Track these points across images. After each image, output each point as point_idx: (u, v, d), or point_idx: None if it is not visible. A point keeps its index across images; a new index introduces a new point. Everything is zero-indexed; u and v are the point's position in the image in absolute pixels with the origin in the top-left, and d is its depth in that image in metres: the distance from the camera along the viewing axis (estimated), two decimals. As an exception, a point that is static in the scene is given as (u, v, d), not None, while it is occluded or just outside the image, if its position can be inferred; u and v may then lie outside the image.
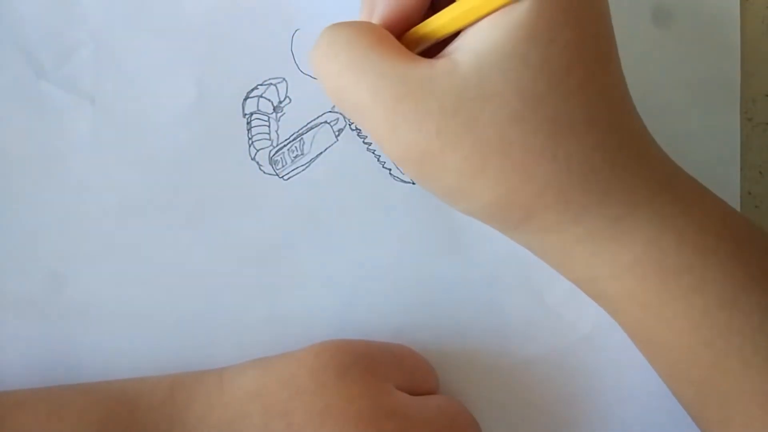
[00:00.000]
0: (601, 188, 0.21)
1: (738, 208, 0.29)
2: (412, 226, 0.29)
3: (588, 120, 0.21)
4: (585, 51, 0.20)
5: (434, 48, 0.22)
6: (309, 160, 0.29)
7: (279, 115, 0.29)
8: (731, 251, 0.22)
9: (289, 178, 0.29)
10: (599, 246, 0.22)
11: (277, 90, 0.29)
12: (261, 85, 0.29)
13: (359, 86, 0.21)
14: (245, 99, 0.29)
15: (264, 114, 0.29)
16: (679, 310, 0.22)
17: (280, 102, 0.29)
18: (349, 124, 0.29)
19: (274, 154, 0.29)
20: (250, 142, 0.29)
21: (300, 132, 0.29)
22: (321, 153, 0.29)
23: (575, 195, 0.21)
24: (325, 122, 0.29)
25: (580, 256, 0.22)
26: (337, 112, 0.29)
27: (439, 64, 0.21)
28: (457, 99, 0.20)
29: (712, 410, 0.23)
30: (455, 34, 0.22)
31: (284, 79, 0.29)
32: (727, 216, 0.23)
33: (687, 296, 0.22)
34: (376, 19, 0.22)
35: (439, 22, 0.21)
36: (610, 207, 0.21)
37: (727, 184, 0.29)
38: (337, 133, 0.29)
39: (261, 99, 0.29)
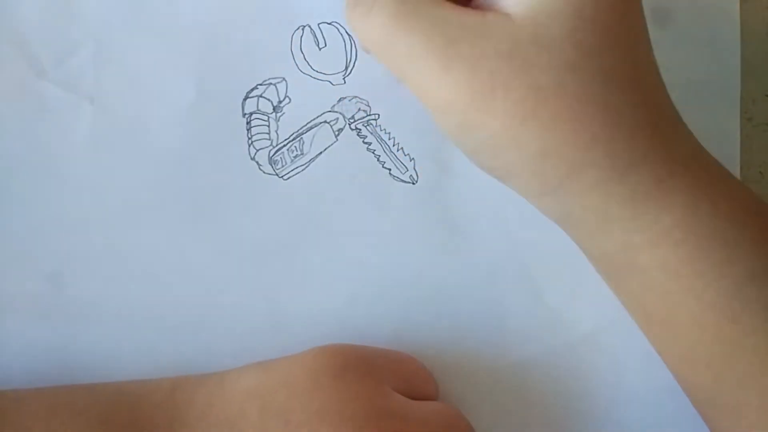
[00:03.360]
0: (645, 146, 0.21)
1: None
2: (412, 226, 0.29)
3: (634, 77, 0.21)
4: (632, 8, 0.21)
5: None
6: (309, 159, 0.29)
7: (278, 114, 0.29)
8: (760, 225, 0.22)
9: (288, 178, 0.29)
10: (640, 207, 0.22)
11: (277, 90, 0.29)
12: (261, 84, 0.29)
13: (411, 32, 0.21)
14: (245, 99, 0.29)
15: (264, 114, 0.29)
16: (710, 281, 0.22)
17: (280, 102, 0.29)
18: (349, 125, 0.29)
19: (273, 154, 0.29)
20: (250, 141, 0.29)
21: (300, 132, 0.29)
22: (321, 153, 0.29)
23: (622, 150, 0.21)
24: (325, 122, 0.29)
25: (619, 220, 0.22)
26: (336, 112, 0.29)
27: (490, 14, 0.21)
28: (513, 44, 0.20)
29: (727, 395, 0.23)
30: None
31: (284, 78, 0.29)
32: (750, 193, 0.23)
33: (720, 266, 0.22)
34: None
35: None
36: (654, 167, 0.21)
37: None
38: (336, 133, 0.29)
39: (261, 99, 0.29)
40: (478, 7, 0.22)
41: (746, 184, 0.29)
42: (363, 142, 0.29)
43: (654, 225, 0.22)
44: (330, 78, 0.29)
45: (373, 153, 0.29)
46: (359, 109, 0.29)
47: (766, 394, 0.22)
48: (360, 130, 0.29)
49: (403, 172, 0.29)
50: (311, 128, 0.29)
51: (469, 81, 0.21)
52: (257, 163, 0.29)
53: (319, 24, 0.29)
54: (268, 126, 0.29)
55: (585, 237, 0.24)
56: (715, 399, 0.23)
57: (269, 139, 0.29)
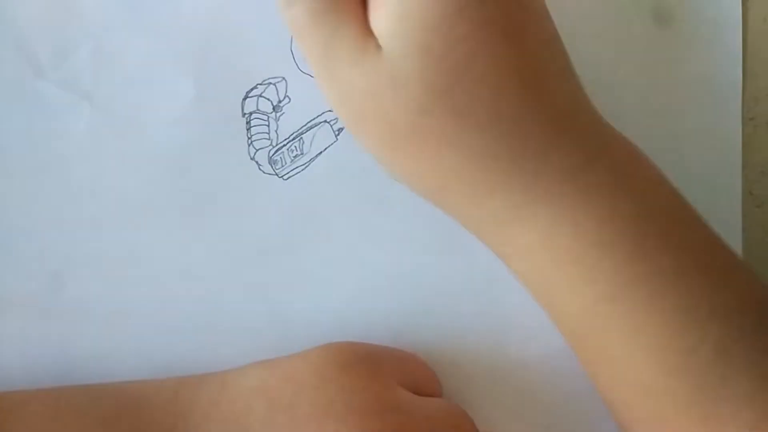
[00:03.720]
0: (502, 176, 0.22)
1: (739, 209, 0.29)
2: (412, 226, 0.29)
3: (494, 110, 0.21)
4: (489, 36, 0.21)
5: None
6: (309, 159, 0.29)
7: (278, 114, 0.29)
8: (629, 247, 0.22)
9: (288, 178, 0.29)
10: (502, 228, 0.23)
11: (277, 89, 0.29)
12: (260, 84, 0.29)
13: (315, 37, 0.22)
14: (244, 98, 0.29)
15: (263, 113, 0.29)
16: (567, 298, 0.23)
17: (280, 101, 0.29)
18: (349, 124, 0.29)
19: (273, 154, 0.29)
20: (250, 141, 0.29)
21: (299, 131, 0.29)
22: (321, 152, 0.29)
23: (477, 181, 0.22)
24: (325, 122, 0.29)
25: (488, 234, 0.24)
26: (336, 112, 0.29)
27: (372, 41, 0.22)
28: (375, 84, 0.21)
29: (600, 391, 0.25)
30: None
31: (284, 78, 0.29)
32: (644, 203, 0.23)
33: (576, 286, 0.23)
34: None
35: None
36: (512, 193, 0.22)
37: (728, 184, 0.29)
38: (336, 133, 0.29)
39: (260, 98, 0.29)
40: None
41: (746, 184, 0.29)
42: (363, 141, 0.29)
43: (516, 240, 0.23)
44: (330, 77, 0.29)
45: (373, 153, 0.29)
46: (359, 109, 0.29)
47: (629, 400, 0.24)
48: (360, 129, 0.29)
49: (403, 172, 0.29)
50: (311, 128, 0.29)
51: (345, 103, 0.23)
52: (257, 162, 0.29)
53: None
54: (268, 126, 0.29)
55: (476, 237, 0.25)
56: (603, 393, 0.25)
57: (269, 139, 0.29)
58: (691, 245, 0.23)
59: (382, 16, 0.21)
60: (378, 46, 0.21)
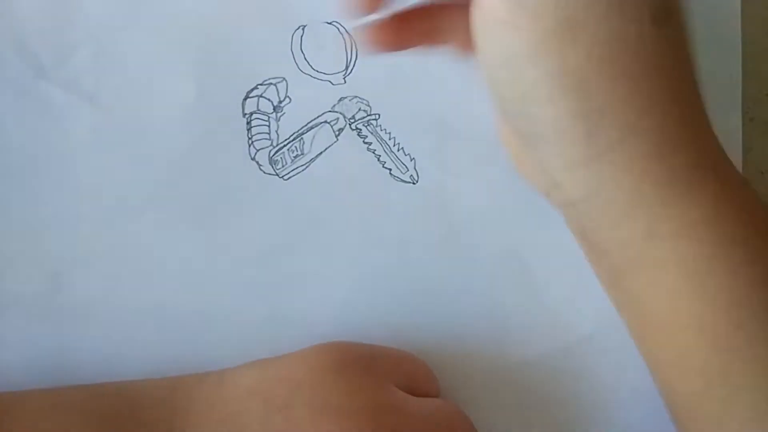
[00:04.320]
0: (694, 127, 0.21)
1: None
2: (412, 226, 0.29)
3: (692, 62, 0.21)
4: None
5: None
6: (309, 159, 0.29)
7: (279, 114, 0.29)
8: None
9: (289, 178, 0.29)
10: (671, 195, 0.21)
11: (277, 90, 0.29)
12: (261, 84, 0.29)
13: None
14: (245, 99, 0.29)
15: (264, 114, 0.29)
16: (724, 284, 0.21)
17: (280, 102, 0.29)
18: (349, 124, 0.29)
19: (274, 154, 0.29)
20: (250, 141, 0.29)
21: (300, 132, 0.29)
22: (321, 153, 0.29)
23: (674, 123, 0.21)
24: (325, 122, 0.29)
25: (649, 205, 0.21)
26: (337, 112, 0.29)
27: None
28: None
29: (714, 405, 0.22)
30: None
31: (284, 78, 0.29)
32: (758, 200, 0.23)
33: (736, 269, 0.21)
34: None
35: None
36: (693, 153, 0.21)
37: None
38: (337, 133, 0.29)
39: (261, 99, 0.29)
40: None
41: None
42: (363, 142, 0.29)
43: (682, 216, 0.21)
44: (330, 78, 0.29)
45: (373, 153, 0.29)
46: (359, 109, 0.29)
47: (754, 407, 0.21)
48: (360, 129, 0.29)
49: (403, 172, 0.29)
50: (312, 128, 0.29)
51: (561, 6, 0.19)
52: (257, 163, 0.29)
53: (319, 24, 0.29)
54: (269, 126, 0.29)
55: (605, 223, 0.22)
56: (699, 408, 0.23)
57: (269, 139, 0.29)
58: None
59: None
60: None
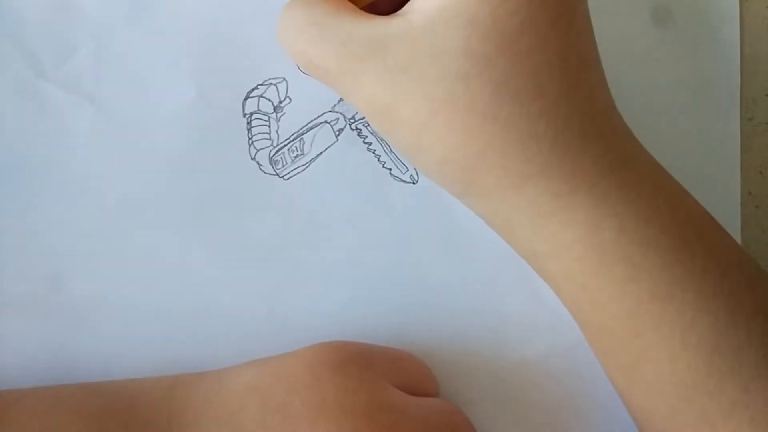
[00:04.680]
0: (542, 158, 0.21)
1: (738, 209, 0.29)
2: (412, 226, 0.29)
3: (535, 86, 0.21)
4: (538, 14, 0.21)
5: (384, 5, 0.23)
6: (309, 160, 0.29)
7: (279, 115, 0.29)
8: (674, 247, 0.22)
9: (289, 178, 0.29)
10: (540, 220, 0.22)
11: (278, 90, 0.29)
12: (261, 85, 0.29)
13: (326, 55, 0.22)
14: (245, 99, 0.29)
15: (264, 114, 0.29)
16: (613, 296, 0.22)
17: (281, 102, 0.29)
18: (350, 124, 0.29)
19: (274, 154, 0.29)
20: (251, 142, 0.29)
21: (300, 132, 0.29)
22: (321, 153, 0.29)
23: (514, 162, 0.21)
24: (325, 122, 0.29)
25: (522, 229, 0.23)
26: (337, 112, 0.29)
27: (394, 22, 0.21)
28: (410, 55, 0.21)
29: (638, 398, 0.24)
30: None
31: (284, 78, 0.29)
32: (680, 211, 0.23)
33: (621, 284, 0.22)
34: None
35: None
36: (551, 180, 0.21)
37: (727, 184, 0.29)
38: (337, 133, 0.29)
39: (261, 99, 0.29)
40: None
41: (744, 184, 0.29)
42: (363, 142, 0.29)
43: (555, 238, 0.22)
44: (330, 78, 0.29)
45: (373, 153, 0.29)
46: (359, 109, 0.29)
47: (672, 403, 0.22)
48: (360, 130, 0.29)
49: (403, 172, 0.29)
50: (312, 128, 0.29)
51: (376, 94, 0.22)
52: (258, 163, 0.29)
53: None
54: (269, 126, 0.29)
55: (502, 237, 0.24)
56: (630, 399, 0.24)
57: (270, 139, 0.29)
58: (726, 247, 0.23)
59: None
60: (406, 23, 0.21)
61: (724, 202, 0.29)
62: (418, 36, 0.21)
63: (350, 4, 0.23)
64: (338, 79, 0.22)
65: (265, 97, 0.29)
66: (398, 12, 0.22)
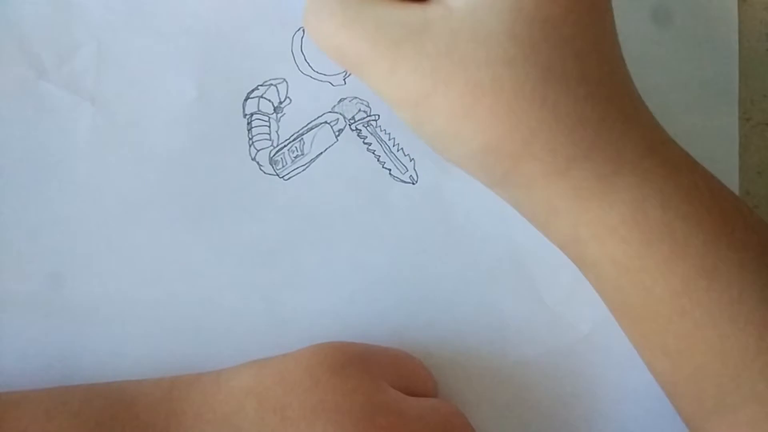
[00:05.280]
0: (588, 141, 0.21)
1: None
2: (412, 226, 0.29)
3: (579, 70, 0.21)
4: (579, 4, 0.21)
5: None
6: (309, 160, 0.29)
7: (279, 115, 0.29)
8: (716, 222, 0.22)
9: (289, 179, 0.29)
10: (584, 204, 0.22)
11: (278, 90, 0.29)
12: (261, 85, 0.29)
13: (358, 39, 0.21)
14: (245, 99, 0.29)
15: (264, 114, 0.29)
16: (658, 276, 0.22)
17: (281, 102, 0.29)
18: (349, 125, 0.29)
19: (274, 155, 0.29)
20: (251, 142, 0.29)
21: (300, 132, 0.29)
22: (321, 153, 0.29)
23: (562, 145, 0.21)
24: (325, 122, 0.29)
25: (565, 215, 0.23)
26: (337, 113, 0.29)
27: (431, 9, 0.21)
28: (452, 40, 0.21)
29: (685, 383, 0.23)
30: None
31: (284, 79, 0.29)
32: (716, 189, 0.23)
33: (668, 262, 0.22)
34: None
35: None
36: (597, 162, 0.21)
37: (725, 184, 0.29)
38: (337, 134, 0.29)
39: (261, 99, 0.29)
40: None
41: (743, 184, 0.29)
42: (363, 142, 0.29)
43: (599, 221, 0.22)
44: (330, 79, 0.29)
45: (373, 153, 0.29)
46: (359, 110, 0.29)
47: (721, 383, 0.22)
48: (360, 130, 0.29)
49: (403, 172, 0.29)
50: (312, 129, 0.29)
51: (414, 81, 0.21)
52: (258, 163, 0.29)
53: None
54: (269, 126, 0.29)
55: (539, 227, 0.24)
56: (675, 386, 0.24)
57: (270, 140, 0.29)
58: (759, 223, 0.23)
59: None
60: (444, 9, 0.21)
61: (722, 203, 0.29)
62: (460, 21, 0.20)
63: None
64: (371, 66, 0.22)
65: (265, 98, 0.29)
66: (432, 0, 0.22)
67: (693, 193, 0.22)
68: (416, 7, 0.21)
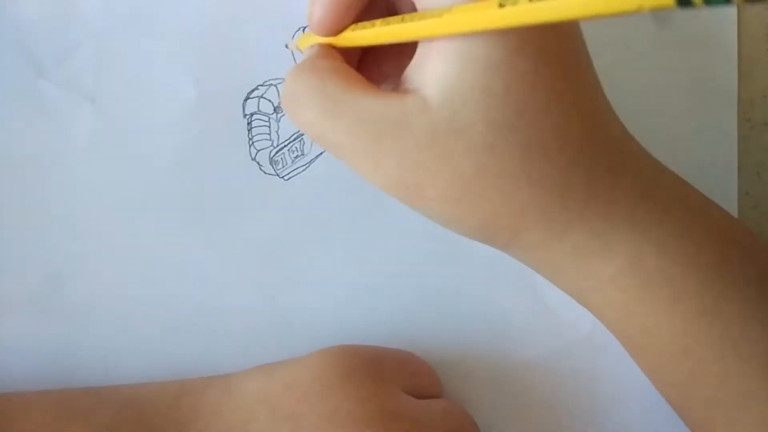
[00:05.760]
0: (579, 204, 0.21)
1: (736, 209, 0.29)
2: (412, 226, 0.29)
3: (559, 139, 0.21)
4: (547, 73, 0.21)
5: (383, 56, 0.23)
6: (309, 160, 0.29)
7: (279, 115, 0.29)
8: (713, 259, 0.22)
9: (289, 179, 0.29)
10: (583, 261, 0.22)
11: (278, 90, 0.29)
12: (261, 85, 0.29)
13: (337, 131, 0.21)
14: (246, 99, 0.29)
15: (264, 114, 0.29)
16: (660, 319, 0.22)
17: (281, 102, 0.29)
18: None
19: (274, 155, 0.29)
20: (251, 142, 0.29)
21: (300, 132, 0.29)
22: (321, 153, 0.29)
23: (555, 213, 0.22)
24: (326, 123, 0.29)
25: (567, 271, 0.23)
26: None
27: (409, 101, 0.21)
28: (432, 134, 0.21)
29: (696, 411, 0.24)
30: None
31: (285, 79, 0.29)
32: (711, 219, 0.23)
33: (667, 305, 0.22)
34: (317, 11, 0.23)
35: (405, 29, 0.21)
36: (591, 222, 0.22)
37: (724, 184, 0.29)
38: (337, 134, 0.29)
39: (261, 99, 0.29)
40: (400, 84, 0.22)
41: (742, 184, 0.29)
42: (363, 142, 0.29)
43: (599, 274, 0.22)
44: (330, 79, 0.29)
45: (373, 153, 0.29)
46: (359, 110, 0.29)
47: (730, 414, 0.23)
48: (360, 130, 0.29)
49: (404, 172, 0.29)
50: (312, 129, 0.29)
51: (399, 176, 0.21)
52: (258, 163, 0.29)
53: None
54: (269, 126, 0.29)
55: (545, 277, 0.24)
56: (687, 412, 0.24)
57: (270, 140, 0.29)
58: (758, 249, 0.23)
59: (435, 67, 0.21)
60: (421, 100, 0.21)
61: (721, 203, 0.29)
62: (436, 113, 0.20)
63: (360, 77, 0.22)
64: (354, 157, 0.22)
65: (265, 98, 0.29)
66: (405, 87, 0.22)
67: (687, 234, 0.22)
68: (394, 98, 0.21)
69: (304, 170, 0.29)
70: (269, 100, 0.29)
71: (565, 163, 0.21)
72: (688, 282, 0.22)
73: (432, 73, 0.21)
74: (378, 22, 0.22)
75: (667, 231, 0.22)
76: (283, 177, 0.29)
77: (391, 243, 0.29)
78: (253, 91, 0.29)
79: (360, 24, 0.22)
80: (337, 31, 0.23)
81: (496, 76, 0.20)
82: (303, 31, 0.29)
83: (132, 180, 0.29)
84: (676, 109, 0.29)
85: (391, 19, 0.21)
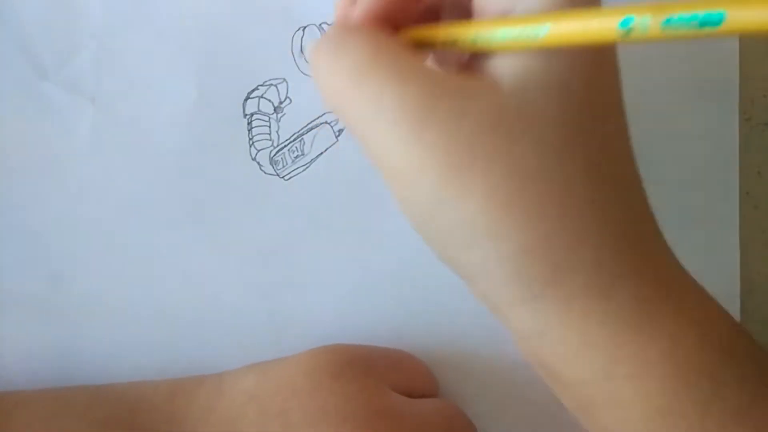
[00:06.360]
0: (632, 257, 0.19)
1: (736, 209, 0.29)
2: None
3: (627, 174, 0.19)
4: (615, 100, 0.19)
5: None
6: (309, 160, 0.29)
7: (279, 115, 0.29)
8: (743, 354, 0.20)
9: (289, 179, 0.29)
10: (622, 334, 0.19)
11: (278, 90, 0.29)
12: (261, 85, 0.29)
13: (384, 80, 0.18)
14: (246, 99, 0.29)
15: (265, 114, 0.29)
16: (695, 420, 0.19)
17: (281, 102, 0.29)
18: (350, 125, 0.29)
19: (274, 155, 0.29)
20: (251, 142, 0.29)
21: (300, 132, 0.29)
22: (321, 153, 0.29)
23: (609, 258, 0.18)
24: (326, 122, 0.29)
25: (602, 348, 0.19)
26: (337, 113, 0.29)
27: (476, 77, 0.18)
28: (498, 115, 0.18)
29: None
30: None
31: (285, 79, 0.29)
32: (726, 314, 0.21)
33: (705, 405, 0.19)
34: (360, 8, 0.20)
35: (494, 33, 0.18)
36: (640, 284, 0.19)
37: (725, 184, 0.29)
38: (337, 134, 0.29)
39: (261, 99, 0.29)
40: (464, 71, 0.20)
41: (743, 184, 0.29)
42: (363, 142, 0.29)
43: (638, 355, 0.19)
44: (330, 79, 0.29)
45: (373, 153, 0.29)
46: (359, 110, 0.29)
47: None
48: (360, 130, 0.29)
49: (404, 172, 0.29)
50: (312, 129, 0.29)
51: (446, 146, 0.17)
52: (258, 163, 0.29)
53: (319, 25, 0.29)
54: (269, 127, 0.29)
55: (561, 360, 0.20)
56: None
57: (270, 140, 0.29)
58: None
59: (504, 56, 0.18)
60: (490, 81, 0.18)
61: (722, 203, 0.29)
62: (509, 95, 0.18)
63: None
64: (389, 114, 0.18)
65: (265, 98, 0.29)
66: (478, 69, 0.19)
67: (719, 323, 0.20)
68: (458, 74, 0.19)
69: (304, 170, 0.29)
70: (269, 100, 0.29)
71: (631, 198, 0.19)
72: (726, 379, 0.19)
73: (507, 61, 0.18)
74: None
75: (704, 318, 0.20)
76: (283, 177, 0.29)
77: (391, 243, 0.29)
78: (253, 91, 0.29)
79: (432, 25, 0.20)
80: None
81: (580, 80, 0.18)
82: (303, 31, 0.29)
83: (132, 180, 0.29)
84: (676, 109, 0.29)
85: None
